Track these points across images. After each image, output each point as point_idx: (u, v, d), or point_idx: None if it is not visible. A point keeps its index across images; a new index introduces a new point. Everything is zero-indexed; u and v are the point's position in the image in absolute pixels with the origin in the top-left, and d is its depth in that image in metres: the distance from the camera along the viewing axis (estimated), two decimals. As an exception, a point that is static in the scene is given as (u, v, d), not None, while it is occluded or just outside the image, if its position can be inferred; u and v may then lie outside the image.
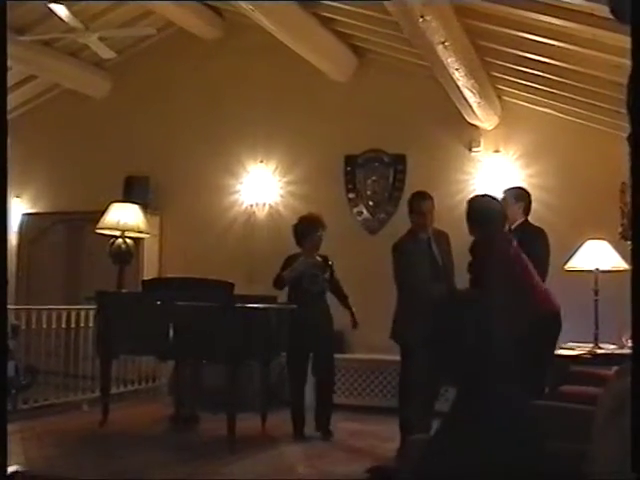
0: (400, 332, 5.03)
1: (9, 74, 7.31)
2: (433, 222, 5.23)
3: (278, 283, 5.71)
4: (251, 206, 8.04)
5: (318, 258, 5.74)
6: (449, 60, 5.50)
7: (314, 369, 5.74)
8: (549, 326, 4.42)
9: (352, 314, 5.84)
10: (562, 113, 6.77)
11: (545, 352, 4.43)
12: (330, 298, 5.84)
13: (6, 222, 3.26)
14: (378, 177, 7.68)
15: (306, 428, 5.67)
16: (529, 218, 5.14)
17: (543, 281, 4.68)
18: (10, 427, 2.71)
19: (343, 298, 5.87)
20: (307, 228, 5.74)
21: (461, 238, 4.82)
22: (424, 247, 5.15)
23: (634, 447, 1.50)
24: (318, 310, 5.67)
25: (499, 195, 5.13)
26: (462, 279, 4.75)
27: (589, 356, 5.11)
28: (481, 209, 4.55)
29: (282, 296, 5.85)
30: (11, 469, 3.92)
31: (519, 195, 5.16)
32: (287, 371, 5.90)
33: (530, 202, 5.19)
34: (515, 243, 4.50)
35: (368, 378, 7.05)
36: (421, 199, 5.23)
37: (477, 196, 4.96)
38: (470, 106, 6.58)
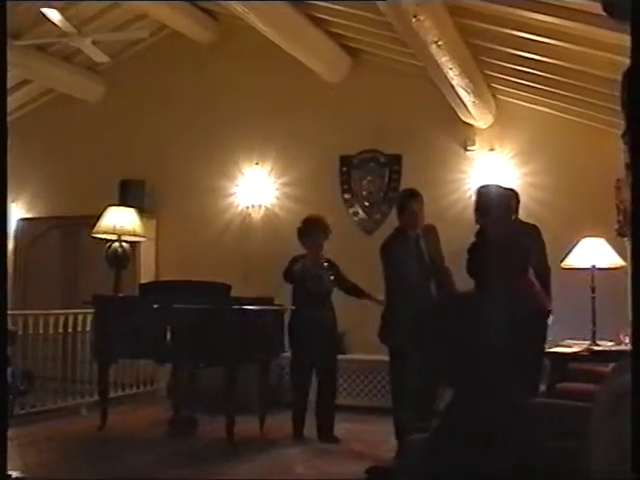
0: (388, 333, 4.95)
1: (3, 79, 7.29)
2: (423, 221, 5.14)
3: (288, 276, 5.63)
4: (247, 208, 8.03)
5: (323, 260, 5.68)
6: (443, 59, 5.51)
7: (317, 371, 5.67)
8: (541, 323, 4.42)
9: (371, 297, 5.59)
10: (557, 111, 6.78)
11: (539, 349, 4.43)
12: (334, 299, 5.77)
13: (6, 229, 3.25)
14: (374, 177, 7.68)
15: (306, 431, 5.62)
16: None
17: (547, 277, 4.68)
18: (7, 433, 2.70)
19: (360, 292, 5.73)
20: (309, 229, 5.71)
21: (456, 237, 4.82)
22: (413, 246, 5.05)
23: (634, 447, 1.49)
24: (322, 311, 5.61)
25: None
26: (456, 276, 4.74)
27: (586, 353, 5.09)
28: (483, 198, 4.63)
29: (285, 297, 5.81)
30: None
31: None
32: (291, 372, 5.86)
33: (519, 202, 5.21)
34: (517, 234, 4.51)
35: (367, 378, 7.06)
36: (412, 198, 5.14)
37: (484, 185, 4.99)
38: (465, 105, 6.58)
